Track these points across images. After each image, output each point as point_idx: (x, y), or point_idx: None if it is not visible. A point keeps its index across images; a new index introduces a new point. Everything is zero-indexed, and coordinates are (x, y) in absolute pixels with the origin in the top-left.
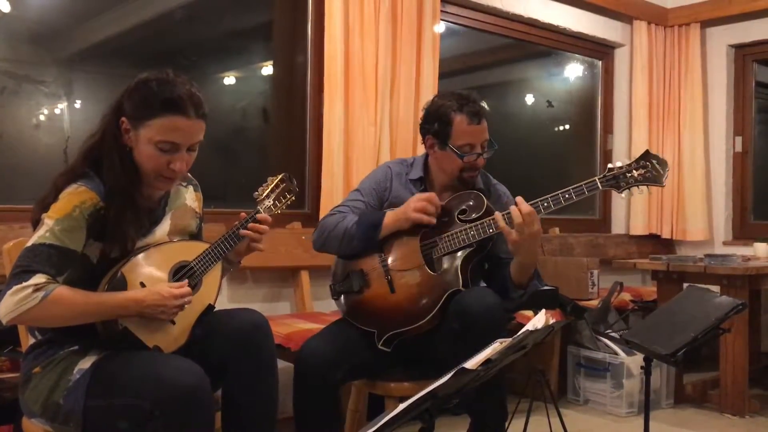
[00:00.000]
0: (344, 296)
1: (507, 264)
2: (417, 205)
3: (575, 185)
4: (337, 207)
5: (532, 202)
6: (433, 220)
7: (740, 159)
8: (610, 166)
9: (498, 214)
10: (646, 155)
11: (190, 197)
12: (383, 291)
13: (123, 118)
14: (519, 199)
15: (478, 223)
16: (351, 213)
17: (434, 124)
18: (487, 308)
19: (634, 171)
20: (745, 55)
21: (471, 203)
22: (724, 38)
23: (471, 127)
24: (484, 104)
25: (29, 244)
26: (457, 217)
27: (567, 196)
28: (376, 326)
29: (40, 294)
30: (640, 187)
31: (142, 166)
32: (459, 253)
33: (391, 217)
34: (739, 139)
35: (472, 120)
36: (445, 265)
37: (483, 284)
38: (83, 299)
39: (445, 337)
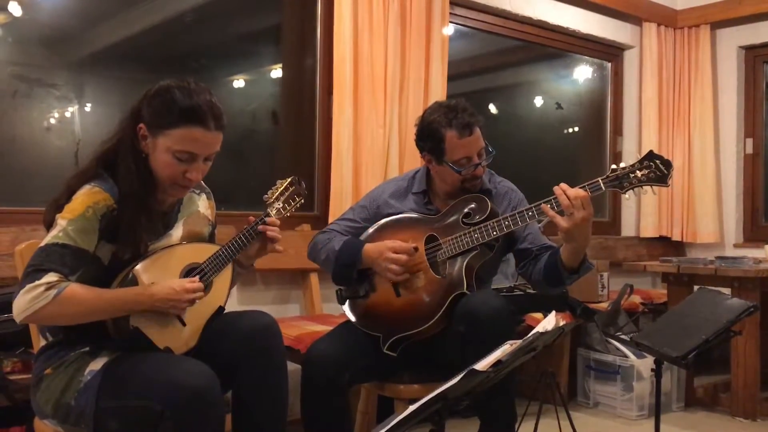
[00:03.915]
0: (350, 301)
1: (541, 255)
2: (388, 268)
3: (579, 186)
4: (330, 225)
5: (533, 204)
6: (404, 278)
7: (751, 161)
8: (613, 167)
9: (545, 205)
10: (650, 155)
11: (203, 205)
12: (389, 295)
13: (141, 125)
14: (563, 185)
15: (482, 226)
16: (339, 235)
17: (427, 141)
18: (492, 311)
19: (638, 171)
20: (755, 56)
21: (474, 206)
22: (734, 39)
23: (463, 141)
24: (474, 113)
25: (42, 244)
26: (462, 221)
27: None
28: (382, 330)
29: (53, 292)
30: (644, 187)
31: (157, 173)
32: (463, 256)
33: (366, 258)
34: (749, 141)
35: (463, 133)
36: (450, 268)
37: (492, 287)
38: (95, 296)
39: (452, 341)
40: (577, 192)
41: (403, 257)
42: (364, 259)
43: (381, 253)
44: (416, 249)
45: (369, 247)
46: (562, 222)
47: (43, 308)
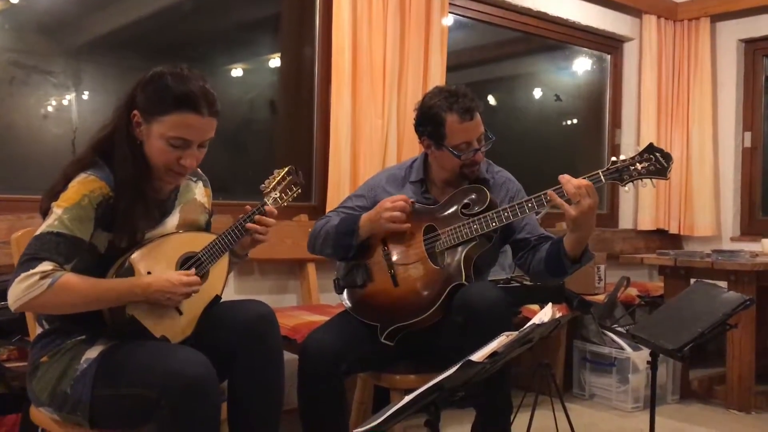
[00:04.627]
0: (348, 290)
1: (539, 245)
2: (390, 216)
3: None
4: (328, 213)
5: (533, 195)
6: (407, 227)
7: (749, 154)
8: (613, 159)
9: (552, 192)
10: (650, 148)
11: (200, 193)
12: (386, 285)
13: (135, 111)
14: (567, 175)
15: (481, 217)
16: (337, 217)
17: (427, 126)
18: (490, 302)
19: (638, 164)
20: (755, 49)
21: (474, 197)
22: (734, 33)
23: (464, 125)
24: (475, 98)
25: (38, 232)
26: (461, 211)
27: None
28: (379, 320)
29: (47, 281)
30: (644, 180)
31: (152, 160)
32: (462, 247)
33: (365, 222)
34: (748, 135)
35: (464, 117)
36: (448, 259)
37: (489, 278)
38: (90, 286)
39: (449, 331)
40: (581, 181)
41: (400, 203)
42: (363, 225)
43: (378, 210)
44: (412, 204)
45: (366, 214)
46: (570, 210)
47: (38, 297)
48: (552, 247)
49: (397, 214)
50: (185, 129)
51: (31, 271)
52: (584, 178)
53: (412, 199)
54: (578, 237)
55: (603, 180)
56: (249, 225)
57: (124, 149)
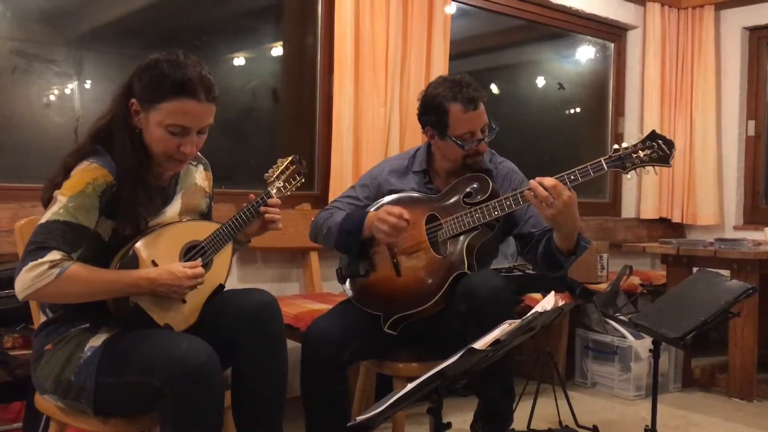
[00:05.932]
0: (350, 280)
1: (542, 238)
2: (385, 230)
3: (580, 166)
4: (331, 203)
5: (512, 192)
6: (398, 242)
7: (753, 143)
8: (615, 146)
9: (528, 193)
10: (652, 135)
11: (200, 176)
12: (389, 274)
13: (133, 100)
14: (538, 178)
15: (483, 205)
16: (340, 211)
17: (431, 115)
18: (492, 290)
19: (640, 151)
20: (759, 38)
21: (476, 186)
22: (738, 21)
23: (467, 115)
24: (479, 87)
25: (43, 220)
26: (463, 200)
27: (572, 177)
28: (382, 309)
29: (56, 271)
30: (646, 167)
31: (152, 148)
32: (464, 236)
33: (368, 226)
34: (752, 123)
35: (468, 107)
36: (451, 248)
37: (492, 266)
38: (97, 277)
39: (452, 320)
40: (548, 182)
41: (392, 219)
42: (366, 225)
43: (377, 214)
44: (408, 221)
45: (371, 213)
46: (545, 210)
47: (46, 287)
48: (546, 243)
49: (384, 227)
50: (183, 116)
51: (40, 260)
52: (586, 167)
53: (415, 192)
54: (563, 233)
55: (605, 168)
56: (268, 217)
57: (123, 138)
